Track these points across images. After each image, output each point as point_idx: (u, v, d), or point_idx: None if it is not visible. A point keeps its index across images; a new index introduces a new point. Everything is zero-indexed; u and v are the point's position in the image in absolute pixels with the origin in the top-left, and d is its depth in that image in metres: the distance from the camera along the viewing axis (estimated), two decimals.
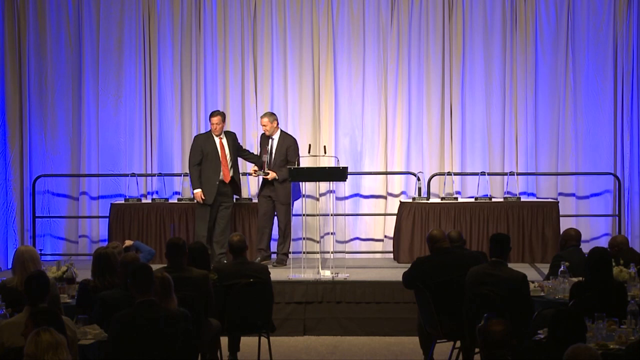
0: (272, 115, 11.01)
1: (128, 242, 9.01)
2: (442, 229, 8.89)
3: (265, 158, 10.81)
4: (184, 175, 12.08)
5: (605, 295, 6.69)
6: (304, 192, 10.66)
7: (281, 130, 11.00)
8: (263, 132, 10.97)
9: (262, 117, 10.97)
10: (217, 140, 10.83)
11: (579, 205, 12.23)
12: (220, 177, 10.78)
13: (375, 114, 12.26)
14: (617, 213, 12.01)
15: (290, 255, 10.77)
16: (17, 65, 12.27)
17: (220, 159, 10.77)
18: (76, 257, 11.20)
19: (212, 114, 10.92)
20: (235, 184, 10.97)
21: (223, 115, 10.96)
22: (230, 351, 8.25)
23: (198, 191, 10.78)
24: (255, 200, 11.49)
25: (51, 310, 5.50)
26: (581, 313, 5.56)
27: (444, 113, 12.21)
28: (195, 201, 10.91)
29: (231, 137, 10.94)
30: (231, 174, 10.84)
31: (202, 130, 12.22)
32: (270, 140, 10.90)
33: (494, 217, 11.32)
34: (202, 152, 10.80)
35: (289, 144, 10.88)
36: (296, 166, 10.40)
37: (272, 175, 10.74)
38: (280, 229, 10.89)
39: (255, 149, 11.61)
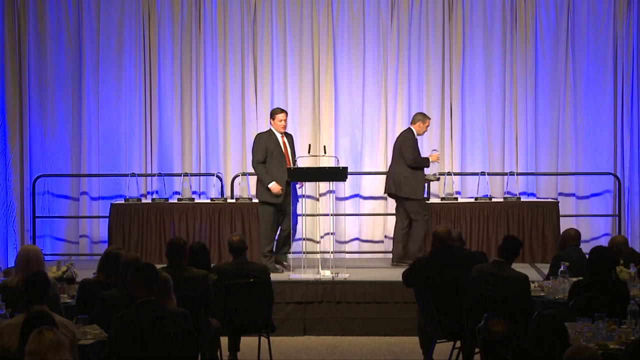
0: None
1: None
2: (447, 226, 8.76)
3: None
4: (183, 175, 12.08)
5: (606, 295, 6.68)
6: (303, 193, 10.61)
7: None
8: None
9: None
10: (279, 137, 10.32)
11: (579, 205, 12.23)
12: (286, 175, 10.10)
13: (375, 114, 12.26)
14: (617, 213, 12.01)
15: (290, 256, 10.76)
16: (17, 65, 12.27)
17: (285, 156, 10.28)
18: (76, 258, 11.20)
19: (281, 111, 10.32)
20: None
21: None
22: (230, 351, 8.25)
23: (274, 184, 10.11)
24: (255, 201, 11.43)
25: (45, 313, 5.51)
26: (560, 318, 5.50)
27: (444, 113, 12.22)
28: (258, 201, 10.40)
29: (290, 137, 10.48)
30: None
31: (202, 131, 12.25)
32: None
33: (494, 217, 11.32)
34: (267, 150, 10.25)
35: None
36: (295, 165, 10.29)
37: None
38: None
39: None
